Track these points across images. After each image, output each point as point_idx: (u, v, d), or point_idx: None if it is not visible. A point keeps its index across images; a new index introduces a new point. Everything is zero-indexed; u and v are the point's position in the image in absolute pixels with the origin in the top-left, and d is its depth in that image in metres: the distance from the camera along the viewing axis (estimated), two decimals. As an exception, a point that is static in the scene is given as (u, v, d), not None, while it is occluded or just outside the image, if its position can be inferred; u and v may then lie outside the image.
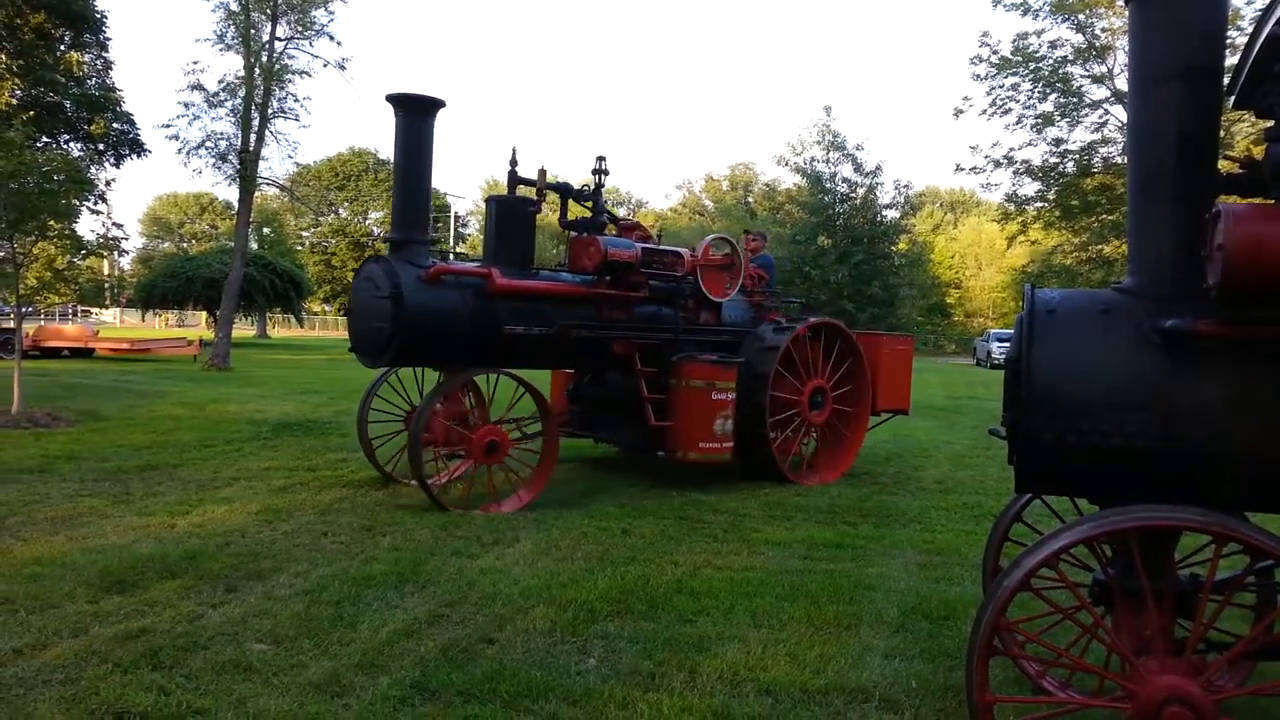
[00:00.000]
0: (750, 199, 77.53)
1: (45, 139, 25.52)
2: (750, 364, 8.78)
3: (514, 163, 8.31)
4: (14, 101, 24.43)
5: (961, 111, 31.18)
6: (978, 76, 29.78)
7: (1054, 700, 3.59)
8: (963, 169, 37.34)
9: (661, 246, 8.93)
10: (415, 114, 7.71)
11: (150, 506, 6.94)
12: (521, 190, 8.32)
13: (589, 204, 8.78)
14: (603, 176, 8.68)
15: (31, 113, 25.14)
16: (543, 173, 8.34)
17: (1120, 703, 2.93)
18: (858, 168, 36.00)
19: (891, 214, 36.93)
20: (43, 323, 30.86)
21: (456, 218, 71.16)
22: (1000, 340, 42.06)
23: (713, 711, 3.70)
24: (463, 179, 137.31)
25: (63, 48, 27.98)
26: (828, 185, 36.15)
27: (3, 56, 25.21)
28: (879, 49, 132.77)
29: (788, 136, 59.42)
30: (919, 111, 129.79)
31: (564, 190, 8.66)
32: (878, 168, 36.12)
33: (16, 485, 7.54)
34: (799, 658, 4.32)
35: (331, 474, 8.69)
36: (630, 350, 8.46)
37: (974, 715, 3.00)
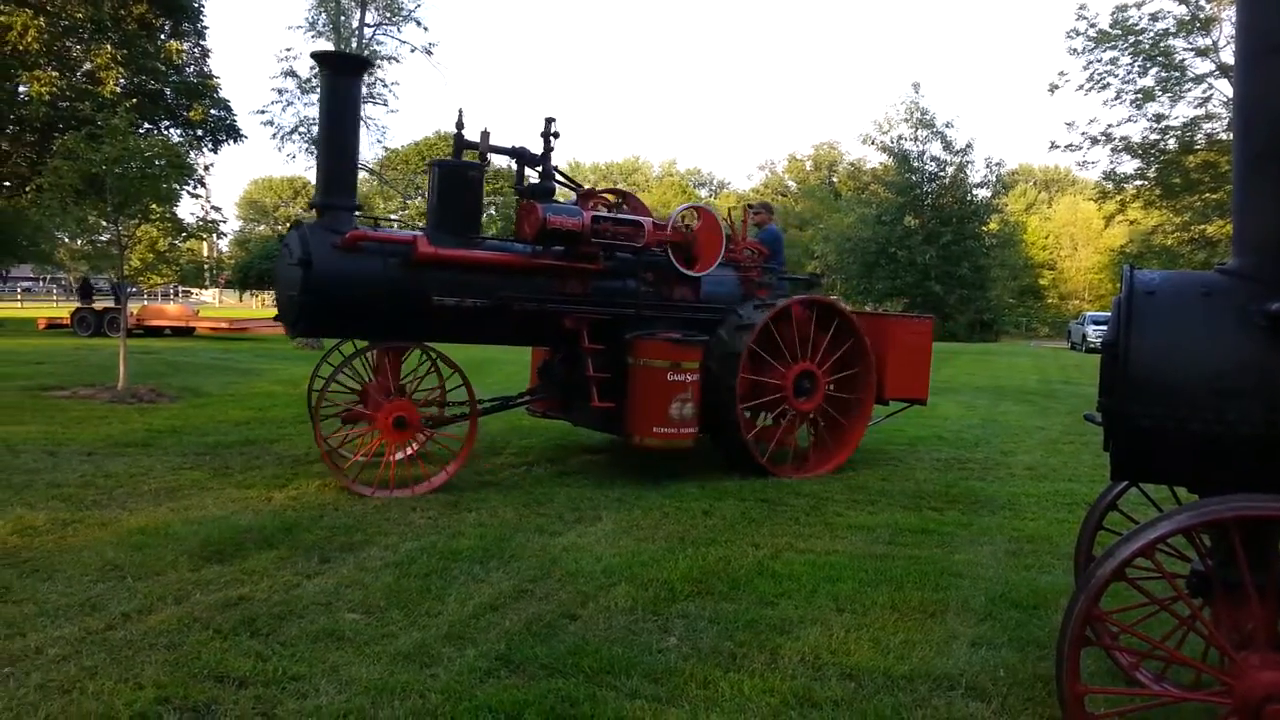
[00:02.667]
0: (834, 179, 76.37)
1: (147, 125, 26.52)
2: (723, 343, 8.11)
3: (460, 125, 7.93)
4: (118, 90, 25.40)
5: (1057, 87, 30.22)
6: (1074, 51, 28.79)
7: (1148, 693, 3.49)
8: (1058, 146, 36.24)
9: (619, 215, 8.12)
10: (341, 74, 7.39)
11: (248, 480, 7.20)
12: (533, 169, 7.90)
13: (560, 174, 8.22)
14: (553, 139, 8.05)
15: (134, 100, 26.12)
16: (485, 135, 7.83)
17: (1218, 697, 2.84)
18: (947, 145, 35.19)
19: (982, 193, 36.03)
20: (146, 303, 32.18)
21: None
22: (1096, 323, 40.73)
23: (794, 694, 3.69)
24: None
25: (163, 37, 28.98)
26: (915, 164, 35.40)
27: (108, 47, 26.21)
28: (970, 23, 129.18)
29: (874, 114, 58.41)
30: (1012, 87, 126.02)
31: (519, 155, 8.06)
32: (968, 145, 35.31)
33: (123, 459, 7.90)
34: (883, 643, 4.28)
35: (418, 452, 8.88)
36: (580, 325, 7.88)
37: (1064, 705, 2.93)
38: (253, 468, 7.72)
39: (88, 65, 26.81)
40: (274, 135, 28.31)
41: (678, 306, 8.36)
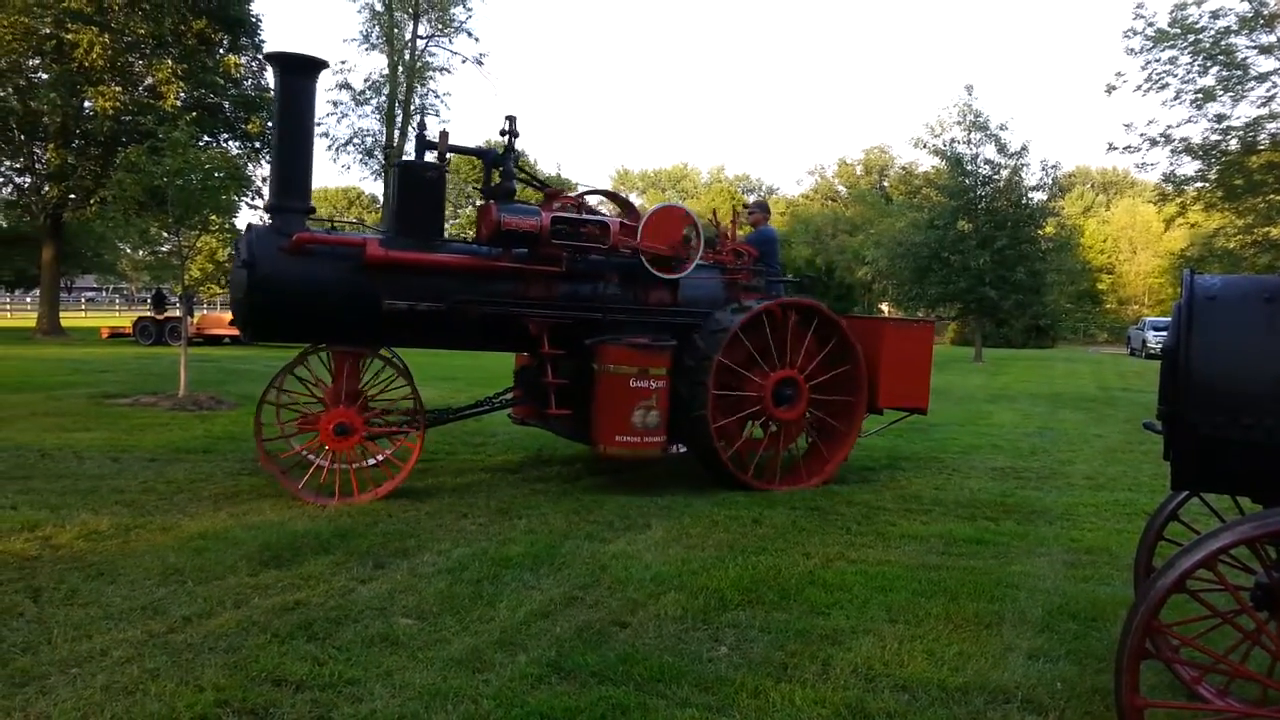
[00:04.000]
0: (885, 183, 75.66)
1: (207, 138, 27.17)
2: (697, 348, 7.76)
3: (422, 126, 7.79)
4: (179, 104, 26.05)
5: (1114, 88, 29.61)
6: (1132, 50, 28.12)
7: (1211, 708, 3.41)
8: (1116, 148, 35.39)
9: (583, 216, 7.83)
10: (296, 74, 7.22)
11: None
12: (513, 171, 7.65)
13: (522, 172, 8.01)
14: (512, 138, 7.80)
15: (194, 113, 26.77)
16: (444, 135, 7.65)
17: (1286, 714, 2.76)
18: (1001, 148, 34.54)
19: (1038, 196, 35.32)
20: (205, 311, 32.91)
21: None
22: (1156, 329, 39.91)
23: (846, 705, 3.66)
24: (592, 170, 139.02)
25: (221, 51, 29.69)
26: (968, 167, 34.83)
27: (169, 62, 26.90)
28: (1024, 24, 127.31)
29: (926, 117, 57.50)
30: (1068, 88, 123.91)
31: (485, 156, 7.88)
32: (1023, 148, 34.56)
33: (184, 464, 8.08)
34: (937, 655, 4.23)
35: (469, 457, 8.99)
36: (541, 330, 7.63)
37: (1123, 719, 2.87)
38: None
39: (149, 80, 27.54)
40: (329, 147, 28.97)
41: (652, 310, 8.02)
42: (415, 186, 7.50)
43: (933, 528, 6.74)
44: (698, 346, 7.76)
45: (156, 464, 8.04)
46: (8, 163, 29.14)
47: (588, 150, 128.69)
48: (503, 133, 7.84)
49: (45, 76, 26.38)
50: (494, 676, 3.80)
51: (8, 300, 49.56)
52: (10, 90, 27.08)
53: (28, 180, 29.01)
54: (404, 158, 7.57)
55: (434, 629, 4.32)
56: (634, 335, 7.58)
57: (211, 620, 4.30)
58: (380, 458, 7.79)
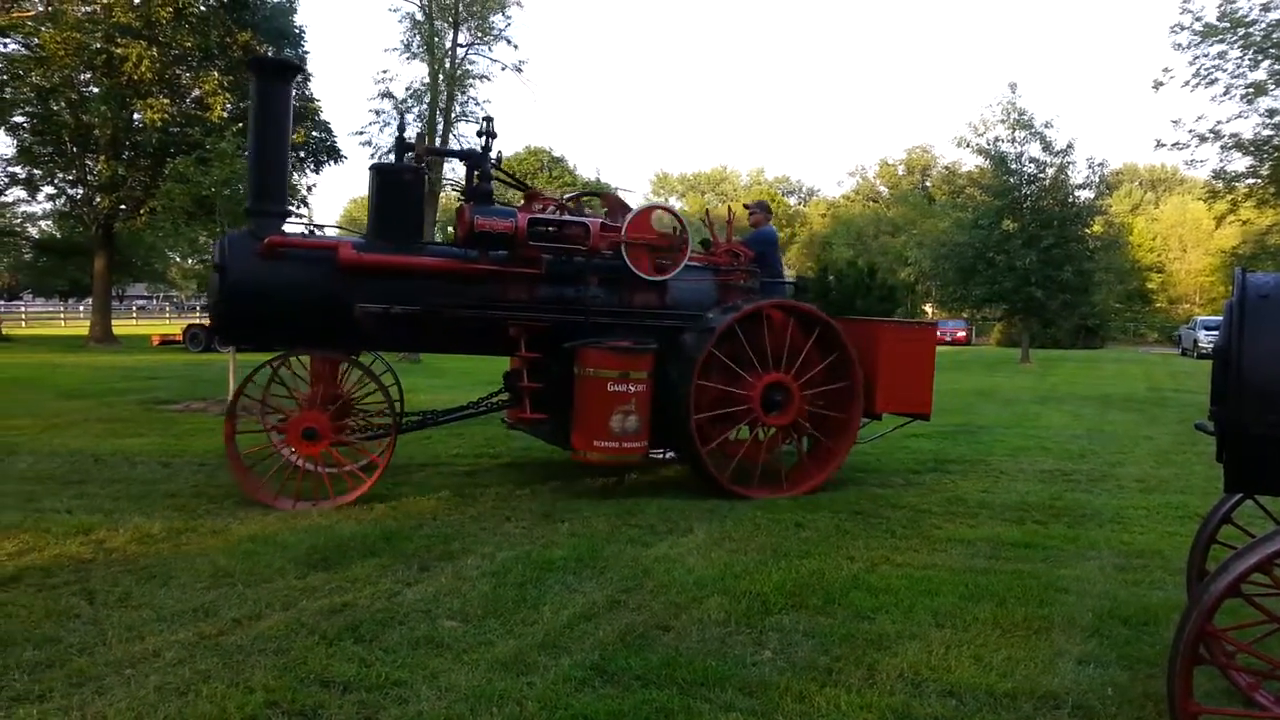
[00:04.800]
0: (928, 183, 74.96)
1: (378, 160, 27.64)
2: (683, 351, 7.56)
3: (401, 128, 7.70)
4: (225, 114, 26.52)
5: (1161, 84, 28.95)
6: (1179, 46, 27.58)
7: (1268, 715, 3.33)
8: (1164, 145, 34.80)
9: (563, 218, 7.72)
10: (272, 78, 7.26)
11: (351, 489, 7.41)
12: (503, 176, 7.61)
13: (502, 173, 7.94)
14: (489, 139, 7.74)
15: (240, 124, 27.23)
16: (421, 138, 7.56)
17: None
18: (1046, 146, 34.04)
19: (1085, 194, 34.76)
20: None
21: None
22: (1208, 328, 39.06)
23: (893, 710, 3.63)
24: (632, 174, 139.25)
25: (267, 63, 30.15)
26: (1013, 166, 34.38)
27: (215, 74, 27.40)
28: (1068, 20, 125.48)
29: (969, 116, 57.05)
30: (1113, 85, 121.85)
31: (468, 157, 7.81)
32: (1069, 146, 34.01)
33: (234, 468, 8.20)
34: (984, 660, 4.17)
35: (512, 461, 9.04)
36: (519, 333, 7.50)
37: (1177, 727, 2.82)
38: (354, 477, 7.93)
39: (197, 92, 28.08)
40: (372, 155, 29.20)
41: (638, 313, 7.84)
42: (391, 189, 7.45)
43: (980, 531, 6.65)
44: (683, 348, 7.58)
45: (206, 468, 8.19)
46: (61, 175, 29.89)
47: (627, 154, 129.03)
48: (480, 134, 7.80)
49: (96, 90, 27.01)
50: (538, 679, 3.82)
51: (62, 309, 50.76)
52: (63, 104, 27.77)
53: (80, 192, 29.73)
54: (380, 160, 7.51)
55: (478, 631, 4.35)
56: (615, 338, 7.44)
57: (261, 622, 4.37)
58: (360, 463, 7.71)
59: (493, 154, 7.77)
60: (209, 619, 4.37)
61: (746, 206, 9.40)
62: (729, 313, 7.64)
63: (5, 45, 27.45)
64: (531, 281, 7.56)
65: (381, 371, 8.84)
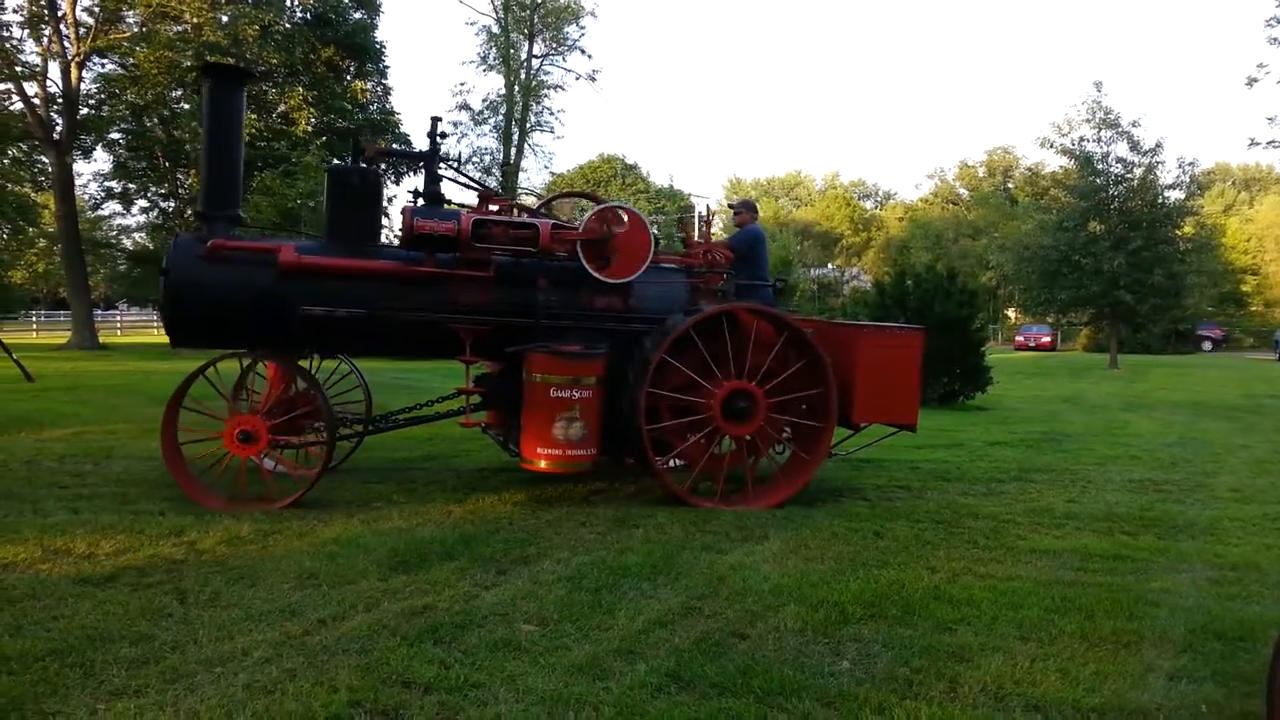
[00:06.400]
0: (1010, 185, 73.33)
1: (336, 161, 28.43)
2: (640, 356, 7.26)
3: (358, 133, 7.79)
4: (309, 129, 27.28)
5: (1255, 80, 27.87)
6: (1275, 40, 26.56)
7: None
8: (1258, 143, 33.53)
9: (512, 219, 7.48)
10: (223, 85, 7.31)
11: (429, 494, 7.54)
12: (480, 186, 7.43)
13: (462, 174, 7.78)
14: (437, 140, 7.63)
15: (324, 138, 28.00)
16: (371, 142, 7.45)
17: None
18: (1134, 146, 33.01)
19: (1174, 195, 33.65)
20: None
21: (700, 217, 72.00)
22: (1308, 332, 37.45)
23: (975, 724, 3.55)
24: (705, 180, 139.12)
25: (349, 78, 31.00)
26: (1099, 166, 33.41)
27: (300, 89, 28.21)
28: (1155, 15, 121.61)
29: (1052, 116, 55.53)
30: (1204, 82, 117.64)
31: (420, 158, 7.70)
32: (1157, 145, 32.92)
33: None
34: (1071, 674, 4.05)
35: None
36: (467, 337, 7.35)
37: (1280, 749, 2.70)
38: (433, 482, 8.08)
39: (282, 107, 28.96)
40: (450, 166, 29.86)
41: (600, 316, 7.58)
42: (343, 192, 7.40)
43: (1066, 542, 6.47)
44: (640, 353, 7.30)
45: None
46: (154, 189, 31.09)
47: (700, 160, 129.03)
48: (429, 134, 7.73)
49: (186, 106, 28.02)
50: (614, 684, 3.82)
51: (154, 318, 52.72)
52: (156, 120, 28.89)
53: (172, 204, 30.87)
54: (335, 163, 7.51)
55: (554, 635, 4.38)
56: (565, 342, 7.22)
57: (344, 623, 4.46)
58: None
59: (455, 155, 7.68)
60: (295, 619, 4.48)
61: (731, 205, 9.11)
62: (691, 315, 7.35)
63: (103, 65, 28.71)
64: (479, 284, 7.40)
65: (345, 374, 8.93)
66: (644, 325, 7.54)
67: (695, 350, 7.27)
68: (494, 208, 7.79)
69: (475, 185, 8.25)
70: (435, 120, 7.74)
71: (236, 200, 7.46)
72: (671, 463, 7.84)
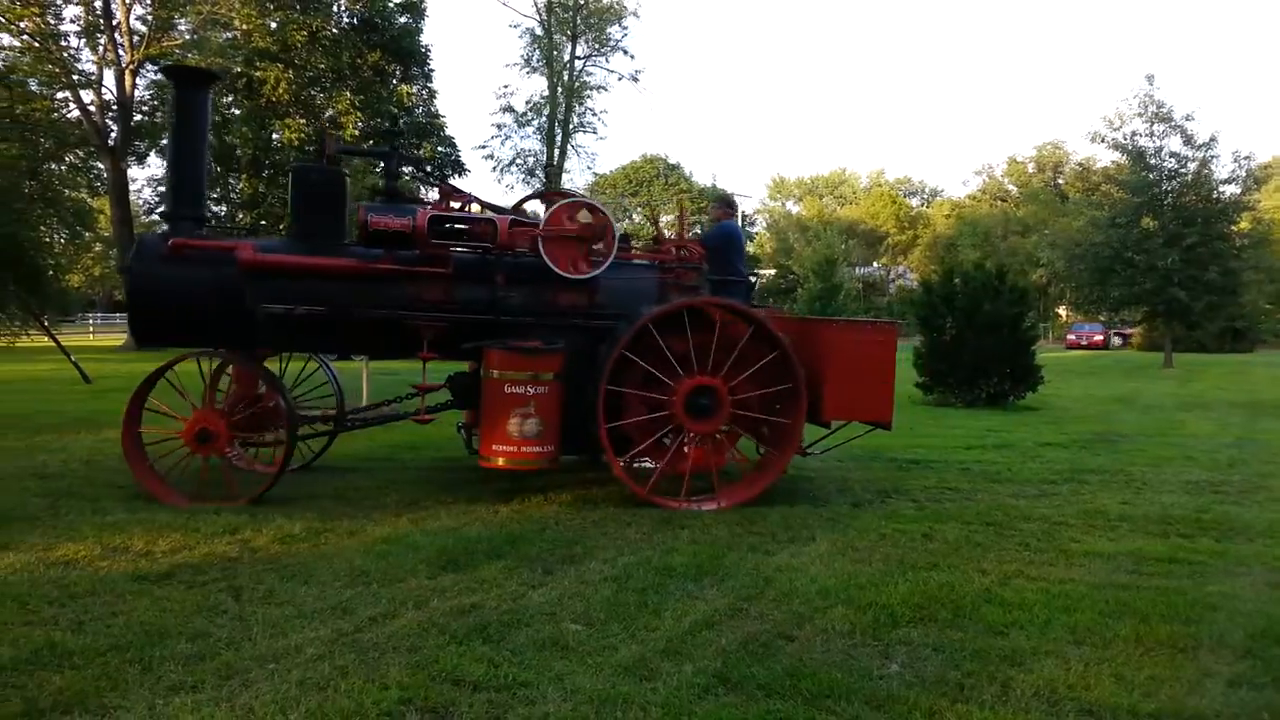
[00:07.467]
0: (1060, 180, 72.11)
1: (382, 164, 28.78)
2: (599, 353, 7.17)
3: (322, 130, 7.78)
4: (357, 132, 27.63)
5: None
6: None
7: None
8: (1320, 134, 32.54)
9: (469, 214, 7.47)
10: (189, 87, 7.34)
11: (477, 493, 7.60)
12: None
13: (422, 171, 7.74)
14: (395, 137, 7.67)
15: (371, 141, 28.33)
16: (333, 138, 7.42)
17: None
18: (1187, 140, 32.33)
19: (1230, 189, 32.91)
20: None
21: (744, 216, 71.85)
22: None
23: (1028, 728, 3.50)
24: (751, 179, 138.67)
25: (395, 82, 31.36)
26: (1152, 161, 32.78)
27: (347, 94, 28.59)
28: (1207, 7, 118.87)
29: (1103, 110, 54.43)
30: (1260, 74, 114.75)
31: (379, 156, 7.65)
32: (1211, 139, 32.21)
33: (370, 473, 8.54)
34: (1126, 679, 3.98)
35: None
36: (425, 334, 7.30)
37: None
38: (481, 482, 8.14)
39: (330, 111, 29.37)
40: (494, 168, 30.06)
41: (564, 313, 7.49)
42: (304, 191, 7.42)
43: (1121, 545, 6.35)
44: (605, 348, 7.18)
45: (343, 472, 8.53)
46: (206, 193, 31.70)
47: (744, 159, 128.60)
48: (386, 132, 7.66)
49: (237, 112, 28.55)
50: (661, 685, 3.83)
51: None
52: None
53: (224, 209, 31.46)
54: (301, 162, 7.53)
55: (601, 635, 4.39)
56: (521, 339, 7.15)
57: (395, 621, 4.51)
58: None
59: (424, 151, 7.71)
60: (346, 617, 4.54)
61: (711, 202, 9.02)
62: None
63: (156, 72, 29.33)
64: (438, 281, 7.35)
65: (314, 371, 9.01)
66: (610, 321, 7.42)
67: (658, 346, 7.17)
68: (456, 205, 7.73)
69: (438, 182, 8.24)
70: (394, 119, 7.75)
71: (201, 200, 7.56)
72: (642, 463, 7.69)
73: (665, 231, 8.56)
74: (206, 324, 7.23)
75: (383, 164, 7.78)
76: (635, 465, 7.54)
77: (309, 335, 7.39)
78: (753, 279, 8.68)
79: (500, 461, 6.98)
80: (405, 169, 7.89)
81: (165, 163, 7.78)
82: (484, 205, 7.85)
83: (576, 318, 7.51)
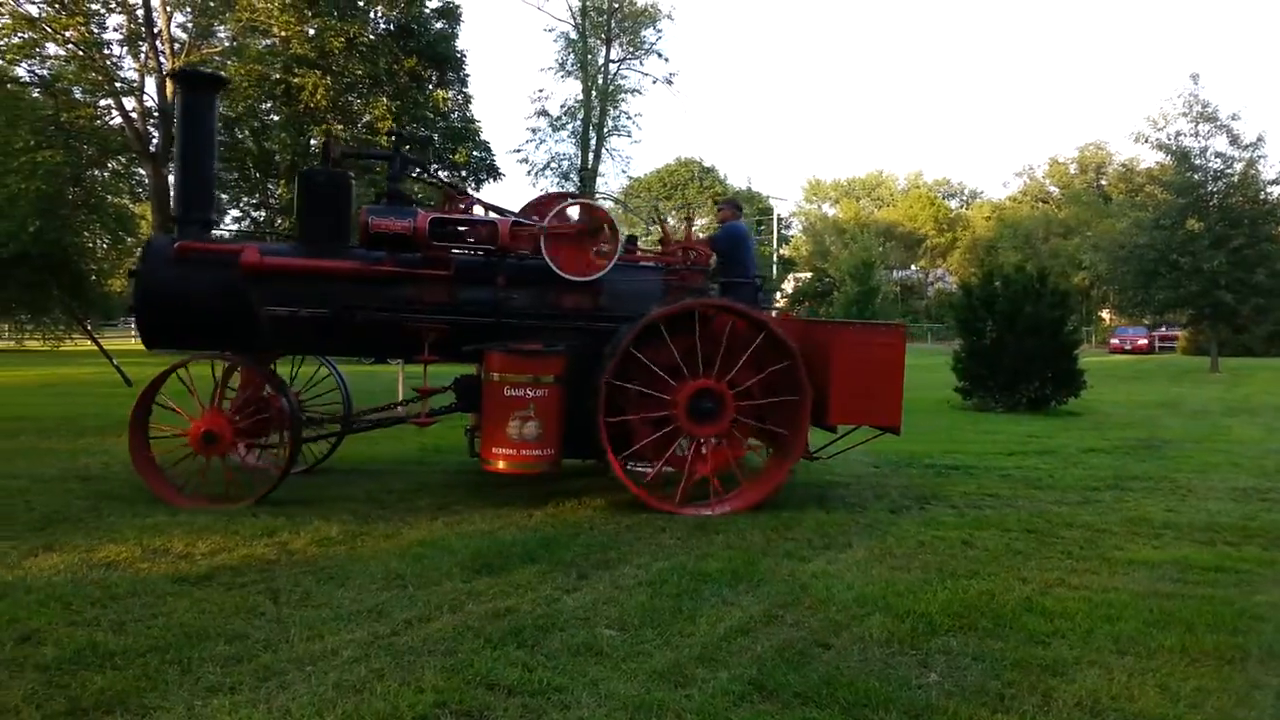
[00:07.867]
0: (1103, 182, 71.05)
1: (418, 169, 29.03)
2: (606, 355, 7.08)
3: (327, 133, 7.79)
4: (388, 141, 27.93)
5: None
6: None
7: None
8: (1371, 133, 31.79)
9: (470, 216, 7.49)
10: (196, 91, 7.43)
11: (511, 497, 7.61)
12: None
13: (427, 173, 7.72)
14: (398, 141, 7.62)
15: (407, 146, 28.52)
16: (334, 141, 7.45)
17: None
18: (1233, 140, 31.71)
19: (1278, 190, 32.27)
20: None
21: (779, 219, 71.60)
22: None
23: (1071, 741, 3.42)
24: (786, 181, 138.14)
25: (430, 87, 31.61)
26: (1197, 161, 32.18)
27: (384, 99, 28.86)
28: (1254, 3, 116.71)
29: (1147, 110, 53.61)
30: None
31: (384, 159, 7.71)
32: (1259, 139, 31.55)
33: (403, 475, 8.59)
34: (1171, 690, 3.89)
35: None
36: (426, 336, 7.31)
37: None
38: (514, 485, 8.15)
39: (367, 117, 29.67)
40: (528, 172, 30.25)
41: (568, 315, 7.45)
42: (310, 194, 7.45)
43: (1165, 553, 6.22)
44: (608, 351, 7.12)
45: (379, 475, 8.59)
46: (245, 199, 32.16)
47: (780, 162, 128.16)
48: (390, 134, 7.69)
49: (276, 118, 28.93)
50: (696, 691, 3.79)
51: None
52: (247, 132, 29.90)
53: (263, 214, 31.89)
54: (309, 168, 7.54)
55: (636, 641, 4.37)
56: (523, 341, 7.12)
57: (430, 624, 4.52)
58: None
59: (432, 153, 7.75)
60: (382, 620, 4.56)
61: (716, 202, 8.89)
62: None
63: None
64: (440, 283, 7.35)
65: (324, 376, 9.03)
66: (614, 323, 7.36)
67: (665, 348, 7.11)
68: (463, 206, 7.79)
69: (443, 184, 8.28)
70: (396, 120, 7.78)
71: (209, 204, 7.62)
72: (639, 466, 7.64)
73: (697, 234, 8.52)
74: (213, 326, 7.31)
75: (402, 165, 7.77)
76: (631, 468, 7.51)
77: (313, 337, 7.43)
78: (759, 280, 8.67)
79: (500, 464, 6.97)
80: (426, 171, 7.90)
81: (174, 167, 7.89)
82: (487, 207, 7.89)
83: (580, 320, 7.48)
